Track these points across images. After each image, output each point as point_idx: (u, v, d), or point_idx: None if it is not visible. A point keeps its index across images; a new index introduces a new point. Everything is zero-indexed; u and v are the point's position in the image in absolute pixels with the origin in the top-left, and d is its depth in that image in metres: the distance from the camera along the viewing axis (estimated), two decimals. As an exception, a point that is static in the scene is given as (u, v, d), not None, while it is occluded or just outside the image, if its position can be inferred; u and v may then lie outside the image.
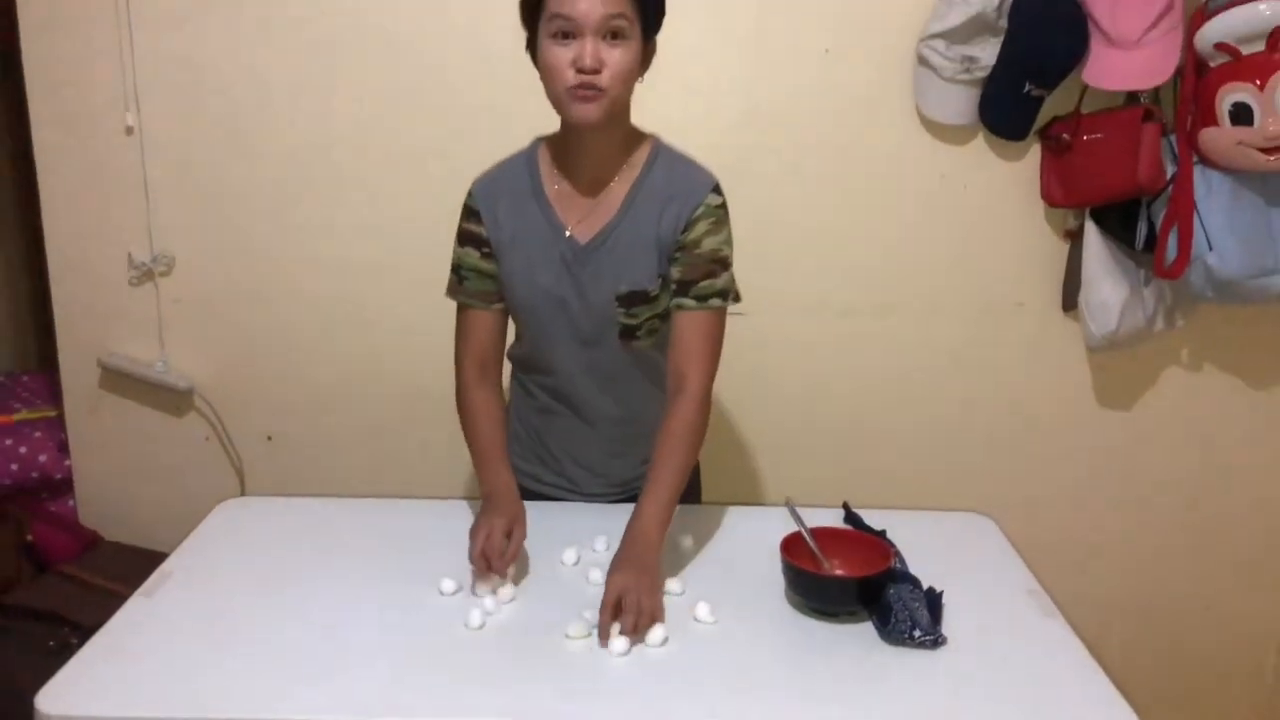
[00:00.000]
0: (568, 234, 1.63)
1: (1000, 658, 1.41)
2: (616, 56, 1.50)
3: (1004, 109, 2.16)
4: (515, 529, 1.54)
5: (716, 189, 1.63)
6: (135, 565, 1.93)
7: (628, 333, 1.66)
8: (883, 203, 2.27)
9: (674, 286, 1.62)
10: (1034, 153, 2.23)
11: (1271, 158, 1.99)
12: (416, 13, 2.16)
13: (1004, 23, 2.10)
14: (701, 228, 1.60)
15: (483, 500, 1.62)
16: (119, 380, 2.34)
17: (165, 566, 1.60)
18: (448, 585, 1.52)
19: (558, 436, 1.78)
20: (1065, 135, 2.15)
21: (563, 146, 1.64)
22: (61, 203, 2.25)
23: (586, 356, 1.69)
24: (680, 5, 2.13)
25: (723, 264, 1.62)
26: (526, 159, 1.68)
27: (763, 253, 2.23)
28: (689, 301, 1.61)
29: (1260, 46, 1.96)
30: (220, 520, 1.77)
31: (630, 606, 1.40)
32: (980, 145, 2.24)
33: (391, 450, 2.41)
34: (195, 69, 2.19)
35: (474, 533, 1.53)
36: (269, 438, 2.39)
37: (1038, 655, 1.42)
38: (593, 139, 1.59)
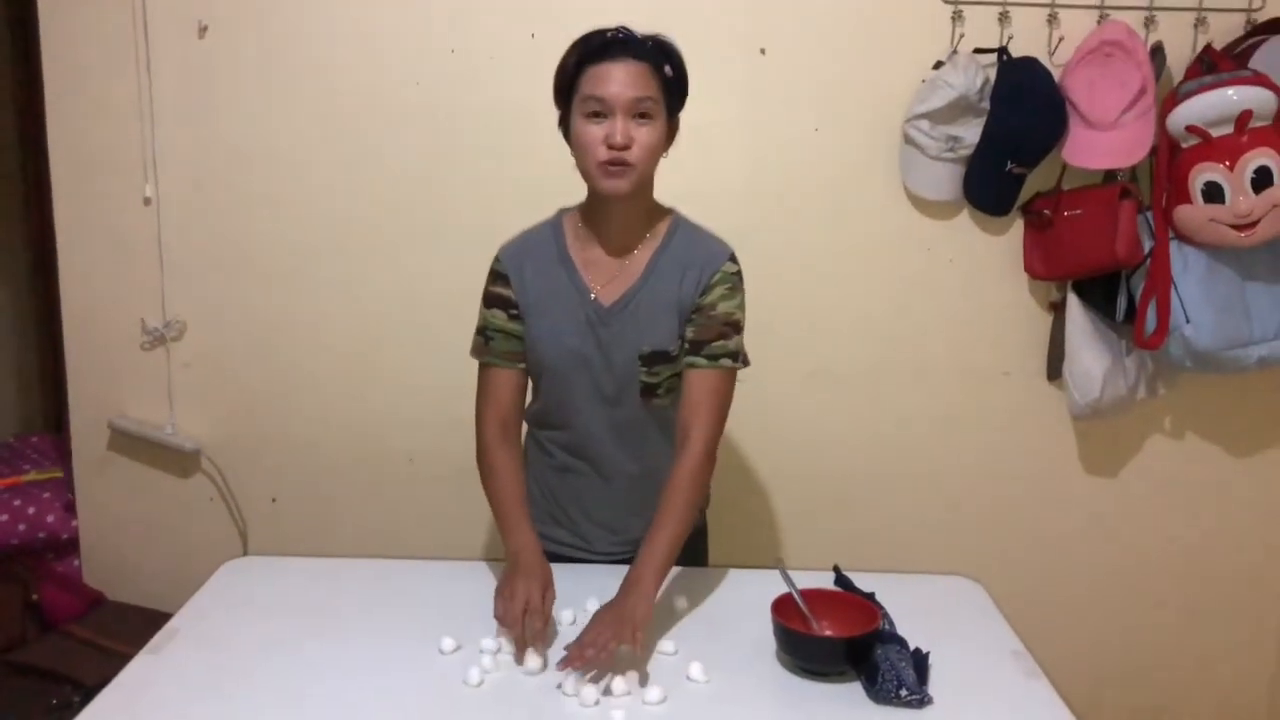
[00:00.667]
0: (593, 296, 1.71)
1: (985, 717, 1.45)
2: (644, 134, 1.61)
3: (987, 186, 2.26)
4: (547, 592, 1.58)
5: (733, 258, 1.74)
6: (138, 625, 1.97)
7: (649, 391, 1.73)
8: (873, 275, 2.35)
9: (687, 346, 1.71)
10: (1017, 227, 2.32)
11: (1243, 234, 2.07)
12: (423, 87, 2.26)
13: (986, 104, 2.20)
14: (718, 292, 1.70)
15: (509, 561, 1.64)
16: (127, 442, 2.40)
17: (171, 624, 1.64)
18: (448, 644, 1.55)
19: (574, 494, 1.83)
20: (1047, 211, 2.24)
21: (590, 216, 1.74)
22: (79, 270, 2.33)
23: (608, 414, 1.76)
24: (677, 88, 2.23)
25: (735, 327, 1.71)
26: (552, 227, 1.77)
27: (758, 322, 2.27)
28: (700, 360, 1.69)
29: (1229, 129, 2.05)
30: (225, 579, 1.80)
31: (588, 640, 1.46)
32: (965, 220, 2.32)
33: (392, 513, 2.45)
34: (212, 143, 2.28)
35: (505, 595, 1.56)
36: (273, 499, 2.44)
37: (1021, 715, 1.46)
38: (620, 209, 1.69)
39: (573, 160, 1.66)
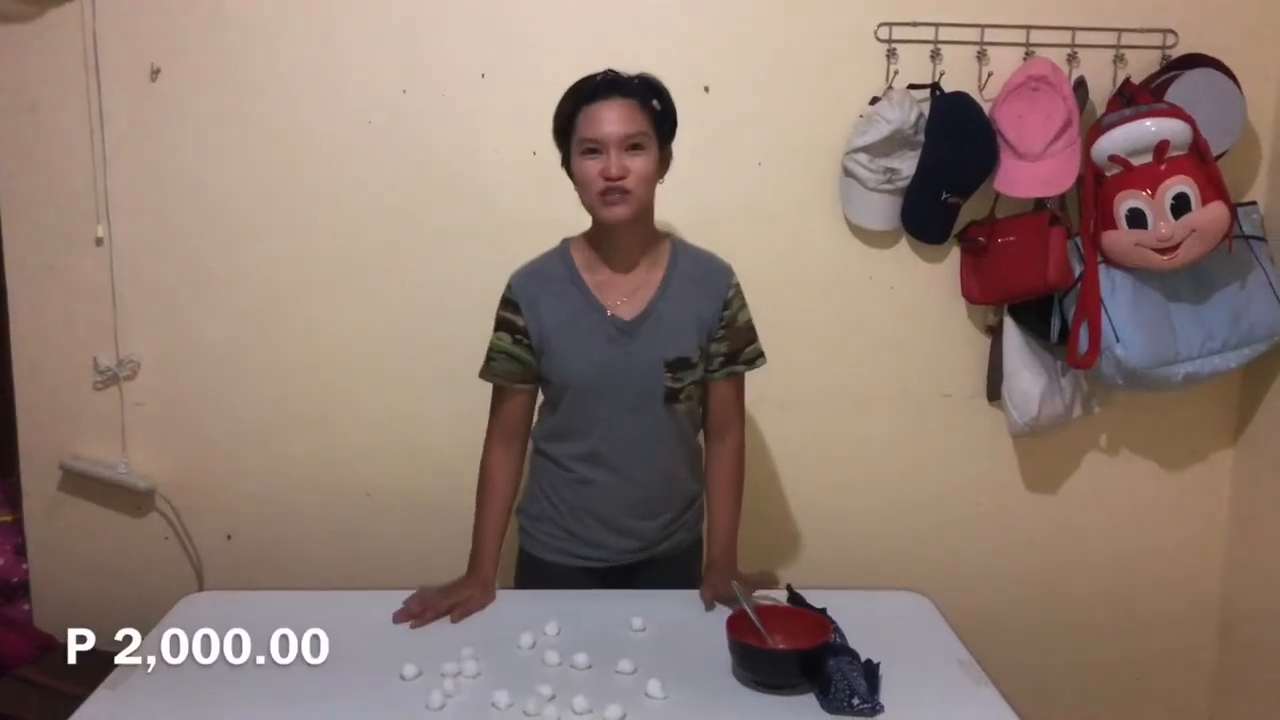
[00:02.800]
0: (610, 314, 1.84)
1: (934, 723, 1.50)
2: (639, 164, 1.76)
3: (924, 215, 2.33)
4: (477, 606, 1.80)
5: (732, 271, 1.92)
6: (91, 667, 1.95)
7: (672, 396, 1.86)
8: (816, 304, 2.42)
9: (722, 358, 1.90)
10: (953, 255, 2.40)
11: (1165, 257, 2.17)
12: (375, 126, 2.29)
13: (921, 137, 2.28)
14: (735, 305, 1.90)
15: (468, 572, 1.87)
16: (79, 482, 2.38)
17: (130, 659, 1.63)
18: (409, 670, 1.58)
19: (591, 505, 1.91)
20: (981, 238, 2.32)
21: (596, 243, 1.87)
22: (30, 310, 2.32)
23: (631, 422, 1.86)
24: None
25: (753, 329, 1.93)
26: (560, 255, 1.89)
27: (706, 350, 2.36)
28: (739, 367, 1.92)
29: (1149, 158, 2.15)
30: (183, 613, 1.81)
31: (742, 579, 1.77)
32: (904, 249, 2.40)
33: (350, 549, 2.45)
34: (165, 183, 2.29)
35: (447, 590, 1.80)
36: (228, 536, 2.44)
37: (970, 719, 1.51)
38: (624, 234, 1.82)
39: (574, 195, 1.81)
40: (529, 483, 2.00)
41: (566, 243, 1.90)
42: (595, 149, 1.74)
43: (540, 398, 1.95)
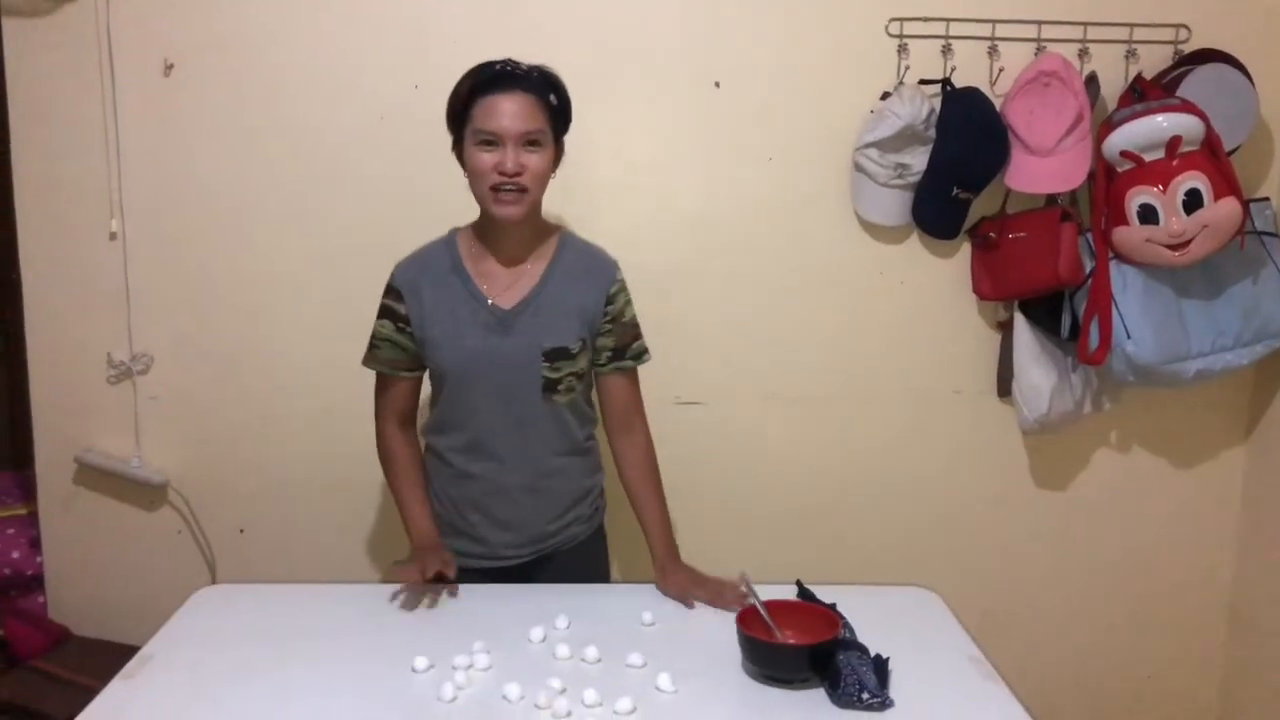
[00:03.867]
0: (490, 302, 1.83)
1: (944, 718, 1.50)
2: (534, 161, 1.76)
3: (935, 211, 2.33)
4: (447, 564, 1.80)
5: (618, 266, 1.92)
6: (104, 659, 1.98)
7: (550, 386, 1.85)
8: (827, 299, 2.42)
9: (609, 353, 1.90)
10: (964, 250, 2.40)
11: (1177, 254, 2.17)
12: (387, 121, 2.30)
13: (931, 133, 2.28)
14: (620, 300, 1.90)
15: (414, 546, 1.87)
16: (93, 476, 2.40)
17: (145, 651, 1.65)
18: (420, 662, 1.58)
19: (474, 500, 1.90)
20: (992, 234, 2.32)
21: (483, 234, 1.87)
22: (44, 305, 2.34)
23: (507, 412, 1.86)
24: (639, 120, 2.32)
25: (637, 327, 1.94)
26: (446, 244, 1.90)
27: (716, 346, 2.37)
28: (627, 363, 1.92)
29: (1160, 154, 2.15)
30: (198, 606, 1.82)
31: (706, 585, 1.83)
32: (914, 244, 2.40)
33: (361, 542, 2.47)
34: (178, 177, 2.31)
35: (411, 564, 1.80)
36: (241, 530, 2.45)
37: (979, 715, 1.52)
38: (513, 228, 1.82)
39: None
40: None
41: (454, 232, 1.90)
42: (491, 141, 1.73)
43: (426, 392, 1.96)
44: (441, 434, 1.92)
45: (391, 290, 1.88)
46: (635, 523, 1.95)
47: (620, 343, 1.91)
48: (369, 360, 1.92)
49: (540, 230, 1.89)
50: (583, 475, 1.96)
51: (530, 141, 1.74)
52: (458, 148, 1.81)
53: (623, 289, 1.91)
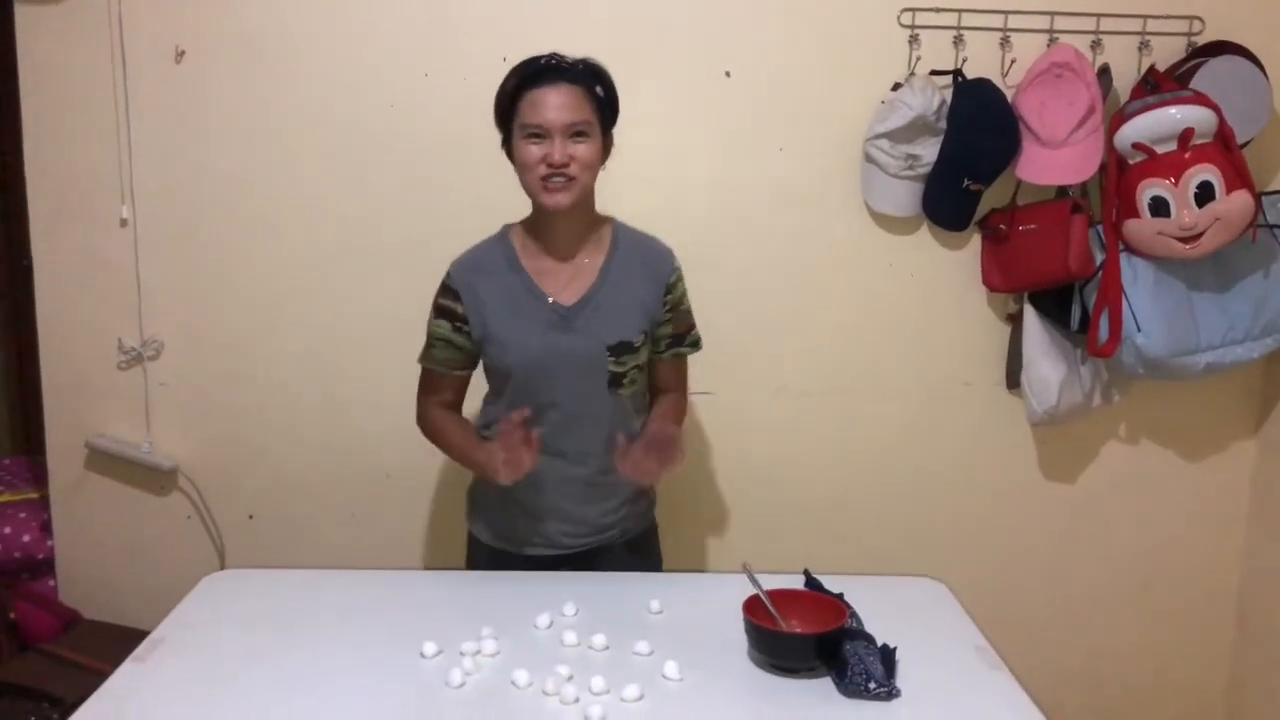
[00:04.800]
0: (551, 300, 1.82)
1: (950, 707, 1.50)
2: (582, 151, 1.75)
3: (945, 202, 2.33)
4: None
5: (674, 255, 1.92)
6: (115, 643, 1.99)
7: (615, 381, 1.84)
8: (837, 290, 2.42)
9: (669, 340, 1.92)
10: (974, 242, 2.40)
11: (1188, 246, 2.16)
12: (398, 109, 2.31)
13: (943, 124, 2.28)
14: (679, 290, 1.91)
15: (487, 458, 1.78)
16: (104, 461, 2.41)
17: (156, 634, 1.66)
18: (429, 648, 1.59)
19: (534, 492, 1.88)
20: (1002, 226, 2.32)
21: (536, 229, 1.85)
22: (56, 291, 2.35)
23: (573, 408, 1.84)
24: (650, 112, 2.32)
25: (691, 314, 1.96)
26: (500, 241, 1.88)
27: (728, 338, 2.36)
28: (684, 349, 1.95)
29: (1173, 146, 2.14)
30: (208, 591, 1.83)
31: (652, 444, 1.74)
32: (925, 235, 2.40)
33: (370, 530, 2.48)
34: (189, 164, 2.31)
35: (499, 449, 1.73)
36: (250, 516, 2.46)
37: (985, 705, 1.52)
38: (565, 221, 1.81)
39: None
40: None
41: (507, 229, 1.89)
42: (539, 134, 1.73)
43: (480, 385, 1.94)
44: None
45: (448, 290, 1.86)
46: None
47: (679, 330, 1.93)
48: (424, 359, 1.90)
49: (593, 222, 1.87)
50: None
51: (577, 133, 1.74)
52: (507, 145, 1.81)
53: (680, 278, 1.91)
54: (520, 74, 1.77)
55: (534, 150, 1.74)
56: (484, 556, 1.96)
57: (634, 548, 1.98)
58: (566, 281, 1.84)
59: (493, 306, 1.83)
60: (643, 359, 1.87)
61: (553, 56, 1.77)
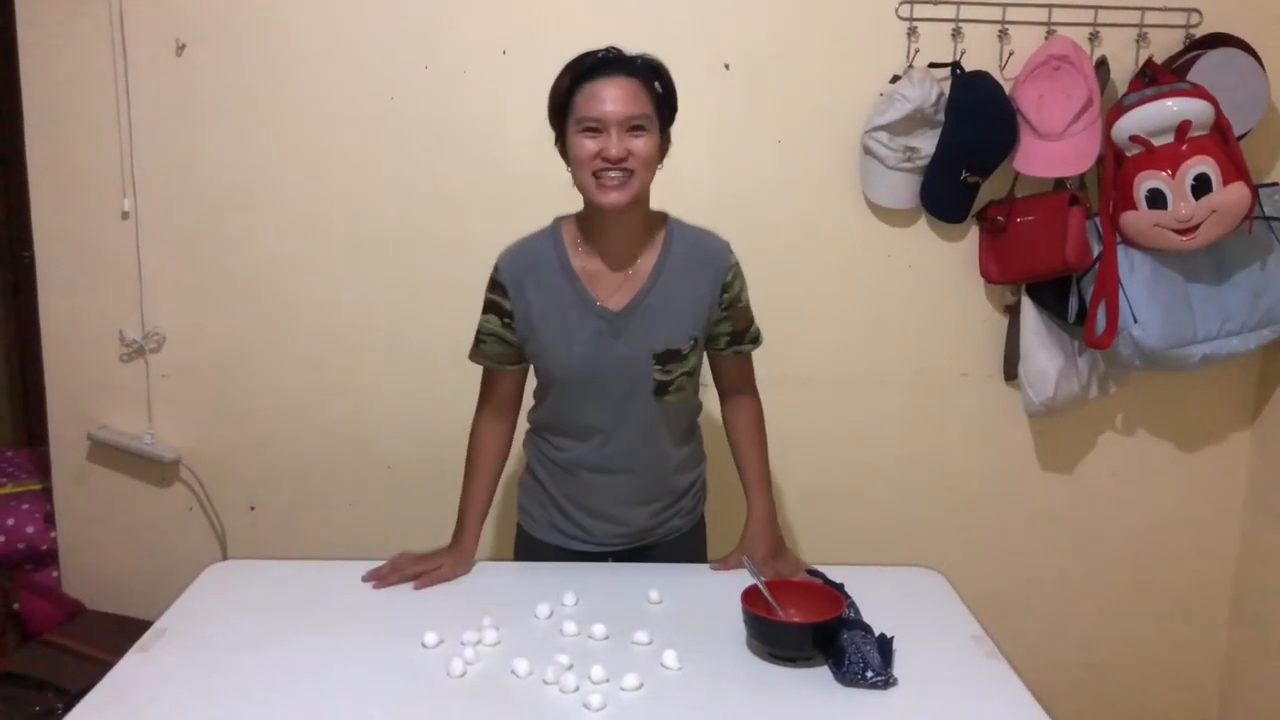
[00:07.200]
0: (599, 304, 1.76)
1: (947, 696, 1.51)
2: (640, 145, 1.67)
3: (943, 194, 2.34)
4: (450, 576, 1.82)
5: (730, 249, 1.84)
6: (117, 633, 2.01)
7: (661, 389, 1.80)
8: (835, 282, 2.43)
9: (727, 337, 1.86)
10: (972, 234, 2.41)
11: (1185, 238, 2.17)
12: (398, 101, 2.31)
13: (941, 116, 2.29)
14: (736, 286, 1.84)
15: (451, 543, 1.86)
16: (106, 453, 2.42)
17: (159, 624, 1.67)
18: (430, 638, 1.60)
19: (579, 493, 1.88)
20: (1000, 218, 2.32)
21: (588, 228, 1.78)
22: (57, 283, 2.36)
23: (619, 415, 1.81)
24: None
25: (750, 310, 1.90)
26: (551, 236, 1.80)
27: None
28: (745, 346, 1.89)
29: (1170, 138, 2.15)
30: (210, 581, 1.84)
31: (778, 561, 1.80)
32: (923, 227, 2.41)
33: (371, 521, 2.49)
34: (190, 156, 2.32)
35: (421, 557, 1.82)
36: (252, 508, 2.47)
37: (982, 693, 1.53)
38: (620, 221, 1.73)
39: (567, 174, 1.72)
40: (526, 458, 1.98)
41: (558, 222, 1.81)
42: (595, 128, 1.65)
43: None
44: (548, 429, 1.89)
45: (497, 285, 1.79)
46: (734, 513, 1.94)
47: (737, 328, 1.86)
48: (475, 355, 1.85)
49: (649, 222, 1.78)
50: (688, 469, 1.93)
51: (635, 126, 1.66)
52: (560, 143, 1.73)
53: (737, 274, 1.83)
54: (576, 68, 1.68)
55: (589, 144, 1.65)
56: (532, 550, 1.95)
57: (680, 546, 1.95)
58: (617, 285, 1.77)
59: (539, 309, 1.77)
60: (691, 365, 1.81)
61: (610, 49, 1.69)
